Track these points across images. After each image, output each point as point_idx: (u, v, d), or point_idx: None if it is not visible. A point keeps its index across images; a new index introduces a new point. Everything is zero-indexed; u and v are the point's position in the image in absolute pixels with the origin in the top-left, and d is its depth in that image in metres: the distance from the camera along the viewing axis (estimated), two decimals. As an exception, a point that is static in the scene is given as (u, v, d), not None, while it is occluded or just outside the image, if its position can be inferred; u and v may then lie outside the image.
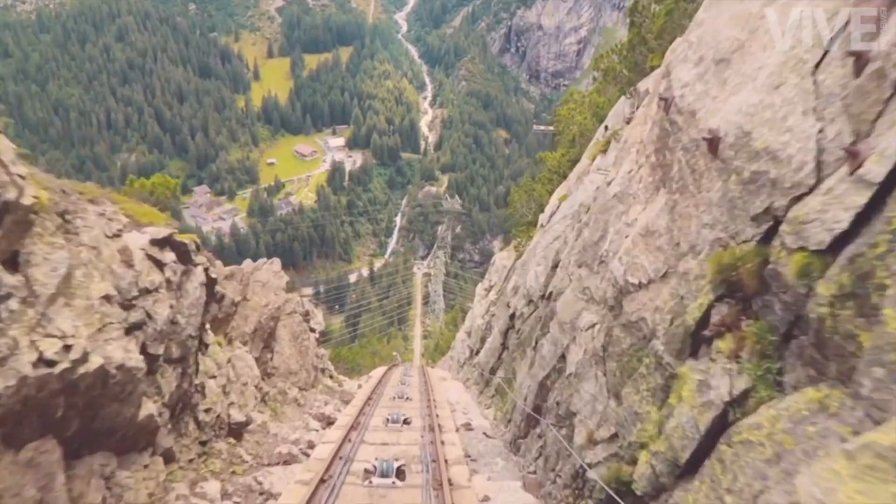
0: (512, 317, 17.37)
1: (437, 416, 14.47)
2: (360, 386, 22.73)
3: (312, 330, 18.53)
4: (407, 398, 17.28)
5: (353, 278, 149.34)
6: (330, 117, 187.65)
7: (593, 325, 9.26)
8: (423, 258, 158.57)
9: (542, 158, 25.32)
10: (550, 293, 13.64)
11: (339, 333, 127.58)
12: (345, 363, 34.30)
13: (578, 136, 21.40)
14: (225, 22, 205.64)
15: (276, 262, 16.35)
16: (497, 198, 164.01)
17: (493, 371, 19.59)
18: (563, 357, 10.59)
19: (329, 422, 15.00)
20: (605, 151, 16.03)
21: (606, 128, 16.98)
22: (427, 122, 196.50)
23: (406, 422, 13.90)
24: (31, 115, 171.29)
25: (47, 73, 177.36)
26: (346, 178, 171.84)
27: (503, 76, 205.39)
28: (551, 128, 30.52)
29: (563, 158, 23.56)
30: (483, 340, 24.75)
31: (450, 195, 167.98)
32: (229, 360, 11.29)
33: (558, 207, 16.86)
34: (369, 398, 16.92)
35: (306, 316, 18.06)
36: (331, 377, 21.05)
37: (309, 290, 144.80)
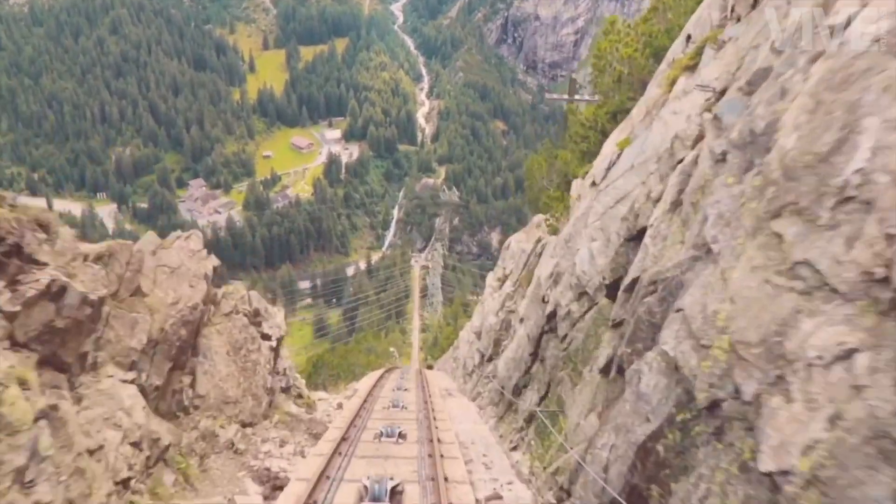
0: (551, 316, 11.67)
1: (447, 478, 8.80)
2: (339, 405, 17.01)
3: (266, 337, 12.79)
4: (400, 435, 11.61)
5: (350, 272, 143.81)
6: (326, 109, 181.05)
7: (849, 355, 3.60)
8: (421, 251, 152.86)
9: (572, 111, 19.62)
10: (633, 281, 7.97)
11: (337, 328, 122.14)
12: (329, 369, 28.57)
13: (626, 74, 15.66)
14: (220, 14, 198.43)
15: (196, 237, 10.55)
16: (495, 189, 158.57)
17: (517, 390, 13.90)
18: (712, 409, 4.93)
19: (276, 485, 9.32)
20: (692, 68, 10.35)
21: (689, 39, 11.31)
22: (424, 113, 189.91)
23: (396, 492, 8.24)
24: (24, 109, 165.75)
25: (40, 67, 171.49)
26: (343, 170, 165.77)
27: (500, 67, 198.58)
28: (566, 96, 24.77)
29: (600, 110, 17.81)
30: (498, 344, 19.04)
31: (447, 187, 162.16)
32: (40, 418, 5.57)
33: (618, 157, 11.17)
34: (345, 435, 11.27)
35: (255, 317, 12.36)
36: (299, 397, 15.31)
37: (306, 284, 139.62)
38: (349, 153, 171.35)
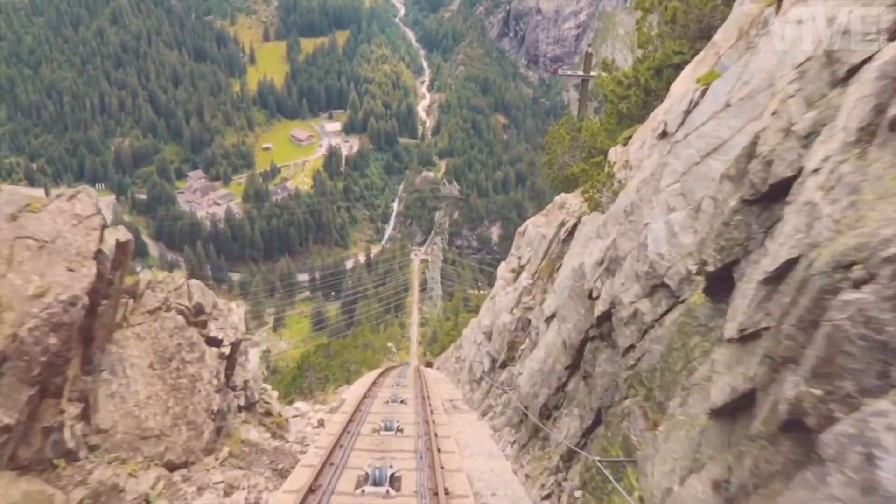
0: (603, 318, 8.28)
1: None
2: (320, 423, 13.61)
3: (214, 341, 9.37)
4: (392, 480, 8.26)
5: (349, 265, 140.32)
6: (326, 102, 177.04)
7: None
8: (421, 244, 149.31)
9: (607, 65, 16.17)
10: (786, 265, 4.57)
11: (335, 321, 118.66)
12: (316, 371, 25.04)
13: (681, 11, 12.22)
14: (220, 5, 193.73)
15: (86, 198, 6.89)
16: (495, 183, 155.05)
17: (546, 412, 10.49)
18: None
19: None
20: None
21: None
22: (424, 106, 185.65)
23: None
24: (23, 99, 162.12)
25: (40, 57, 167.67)
26: (343, 163, 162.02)
27: (501, 61, 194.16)
28: (580, 72, 21.41)
29: (641, 65, 14.38)
30: (513, 347, 15.65)
31: (447, 181, 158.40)
32: None
33: (701, 96, 7.78)
34: (314, 483, 7.91)
35: (198, 315, 8.97)
36: (266, 415, 11.91)
37: (305, 277, 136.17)
38: (349, 146, 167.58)
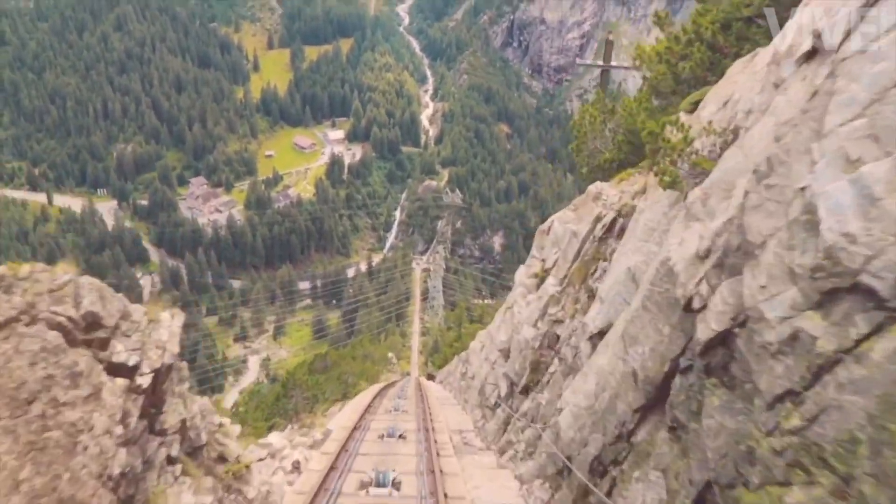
0: (717, 342, 5.17)
1: None
2: (295, 466, 10.44)
3: (121, 369, 6.32)
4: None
5: (350, 273, 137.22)
6: (329, 109, 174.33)
7: None
8: (423, 253, 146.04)
9: (662, 18, 13.17)
10: None
11: (336, 329, 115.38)
12: (303, 391, 21.94)
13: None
14: (225, 12, 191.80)
15: None
16: (498, 193, 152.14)
17: (601, 467, 7.38)
18: None
19: None
20: None
21: None
22: (428, 115, 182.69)
23: None
24: (27, 104, 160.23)
25: (44, 62, 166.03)
26: (346, 171, 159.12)
27: (505, 70, 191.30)
28: (600, 62, 18.49)
29: (703, 18, 11.39)
30: (538, 369, 12.51)
31: (450, 189, 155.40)
32: None
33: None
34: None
35: (91, 331, 5.94)
36: (220, 461, 8.79)
37: (306, 284, 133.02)
38: (352, 154, 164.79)
